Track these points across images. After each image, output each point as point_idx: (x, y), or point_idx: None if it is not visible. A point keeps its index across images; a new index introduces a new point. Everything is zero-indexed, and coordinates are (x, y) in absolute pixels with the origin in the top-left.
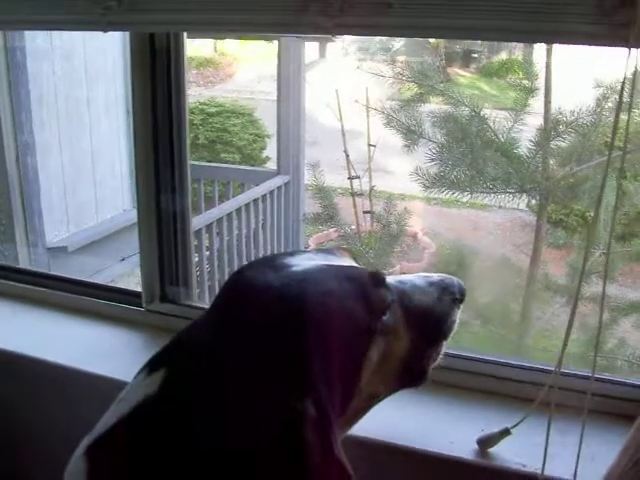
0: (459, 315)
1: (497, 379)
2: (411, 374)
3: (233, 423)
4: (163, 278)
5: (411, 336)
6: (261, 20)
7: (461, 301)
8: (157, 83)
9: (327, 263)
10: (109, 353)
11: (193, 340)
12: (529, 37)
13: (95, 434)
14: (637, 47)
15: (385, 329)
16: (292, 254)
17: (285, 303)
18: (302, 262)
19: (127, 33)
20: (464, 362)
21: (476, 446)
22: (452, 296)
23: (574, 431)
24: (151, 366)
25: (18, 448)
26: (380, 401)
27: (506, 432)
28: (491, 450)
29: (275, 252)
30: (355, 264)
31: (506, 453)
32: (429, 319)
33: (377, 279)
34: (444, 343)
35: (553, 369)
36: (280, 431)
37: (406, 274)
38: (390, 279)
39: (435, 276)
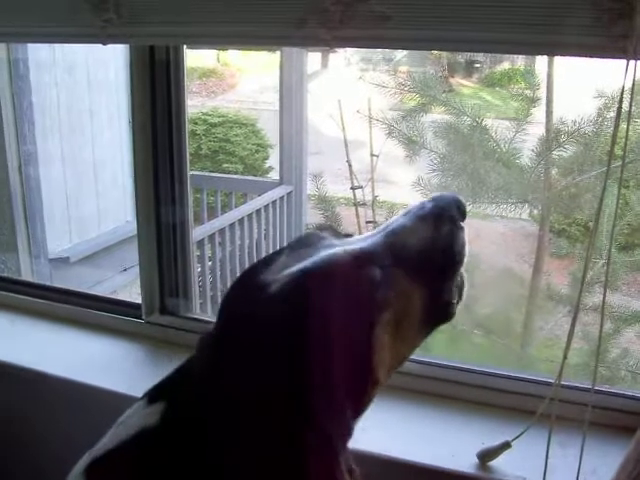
0: (466, 234)
1: (497, 392)
2: (436, 314)
3: (234, 456)
4: (163, 290)
5: (421, 285)
6: (260, 33)
7: (463, 219)
8: (157, 95)
9: (305, 268)
10: (108, 365)
11: (194, 371)
12: (529, 49)
13: (95, 454)
14: (635, 58)
15: (387, 303)
16: (267, 262)
17: (278, 330)
18: (279, 274)
19: (128, 45)
20: (464, 374)
21: (477, 459)
22: (451, 221)
23: (575, 444)
24: (150, 396)
25: (16, 459)
26: (414, 350)
27: (506, 445)
28: (491, 463)
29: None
30: (334, 243)
31: (507, 466)
32: (433, 257)
33: (360, 260)
34: (462, 270)
35: (554, 381)
36: (283, 463)
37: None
38: (376, 236)
39: (427, 205)
